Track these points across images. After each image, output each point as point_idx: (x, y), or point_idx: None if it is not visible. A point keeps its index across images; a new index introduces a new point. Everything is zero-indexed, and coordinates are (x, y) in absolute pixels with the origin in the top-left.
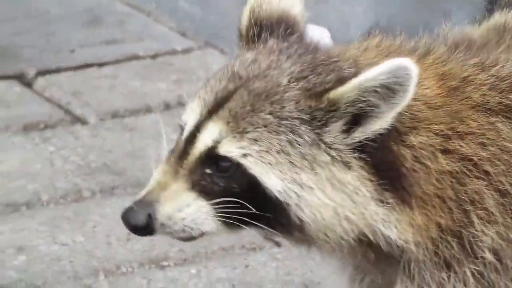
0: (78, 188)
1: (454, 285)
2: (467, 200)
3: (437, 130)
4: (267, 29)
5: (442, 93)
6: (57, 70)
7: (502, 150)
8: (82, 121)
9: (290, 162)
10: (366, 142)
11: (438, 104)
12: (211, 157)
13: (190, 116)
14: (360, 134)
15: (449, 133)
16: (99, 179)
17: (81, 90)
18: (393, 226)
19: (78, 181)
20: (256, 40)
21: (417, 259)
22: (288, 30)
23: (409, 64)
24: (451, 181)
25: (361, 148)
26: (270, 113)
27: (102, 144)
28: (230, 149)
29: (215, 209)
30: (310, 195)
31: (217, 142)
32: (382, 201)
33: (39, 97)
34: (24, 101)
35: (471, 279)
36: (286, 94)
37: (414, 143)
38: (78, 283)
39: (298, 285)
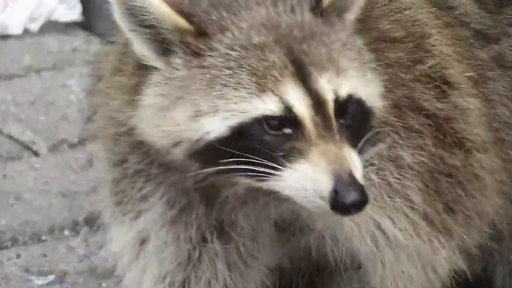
0: None
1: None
2: None
3: None
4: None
5: None
6: None
7: None
8: None
9: (365, 70)
10: None
11: None
12: (338, 108)
13: (290, 96)
14: None
15: None
16: None
17: None
18: None
19: None
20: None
21: None
22: None
23: None
24: None
25: None
26: (335, 41)
27: None
28: (345, 89)
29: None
30: (371, 87)
31: (336, 92)
32: None
33: None
34: None
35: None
36: (318, 24)
37: None
38: None
39: (56, 195)
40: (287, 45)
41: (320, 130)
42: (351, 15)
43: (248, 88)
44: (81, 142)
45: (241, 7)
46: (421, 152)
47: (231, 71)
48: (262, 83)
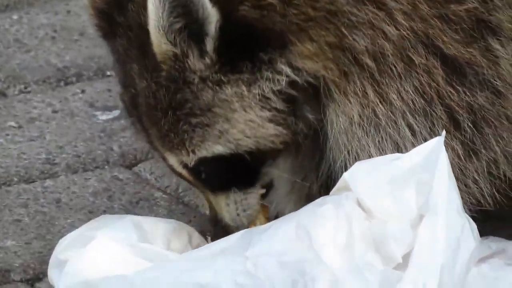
0: None
1: (355, 92)
2: (328, 12)
3: None
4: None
5: None
6: None
7: None
8: None
9: (205, 124)
10: (220, 41)
11: None
12: (192, 170)
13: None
14: (210, 43)
15: None
16: None
17: None
18: (296, 69)
19: None
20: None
21: (333, 81)
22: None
23: None
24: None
25: (224, 51)
26: (156, 110)
27: None
28: (188, 158)
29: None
30: (233, 130)
31: (182, 161)
32: (270, 64)
33: None
34: None
35: (362, 85)
36: (151, 85)
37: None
38: None
39: None
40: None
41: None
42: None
43: None
44: None
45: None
46: (427, 89)
47: None
48: None
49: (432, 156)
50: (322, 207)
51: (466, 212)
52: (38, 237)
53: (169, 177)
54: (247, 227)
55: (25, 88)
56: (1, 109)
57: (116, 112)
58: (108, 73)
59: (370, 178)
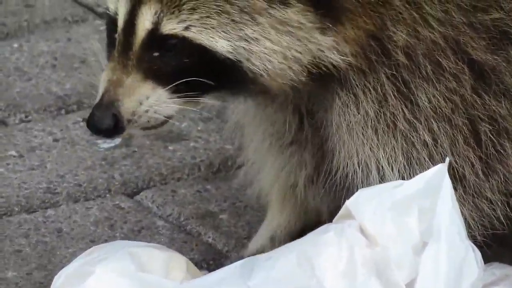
0: None
1: (374, 88)
2: (380, 2)
3: None
4: None
5: None
6: None
7: None
8: None
9: (232, 20)
10: None
11: None
12: (156, 39)
13: (120, 4)
14: None
15: None
16: None
17: None
18: (334, 48)
19: None
20: None
21: (356, 69)
22: None
23: None
24: None
25: None
26: None
27: None
28: (171, 26)
29: (173, 91)
30: (258, 46)
31: (157, 24)
32: (323, 28)
33: None
34: None
35: (385, 82)
36: None
37: None
38: None
39: None
40: None
41: (115, 53)
42: None
43: None
44: None
45: None
46: (453, 96)
47: None
48: None
49: (435, 182)
50: (324, 235)
51: (477, 237)
52: (39, 267)
53: (171, 206)
54: (140, 130)
55: (26, 117)
56: (1, 138)
57: (117, 140)
58: None
59: (373, 205)
